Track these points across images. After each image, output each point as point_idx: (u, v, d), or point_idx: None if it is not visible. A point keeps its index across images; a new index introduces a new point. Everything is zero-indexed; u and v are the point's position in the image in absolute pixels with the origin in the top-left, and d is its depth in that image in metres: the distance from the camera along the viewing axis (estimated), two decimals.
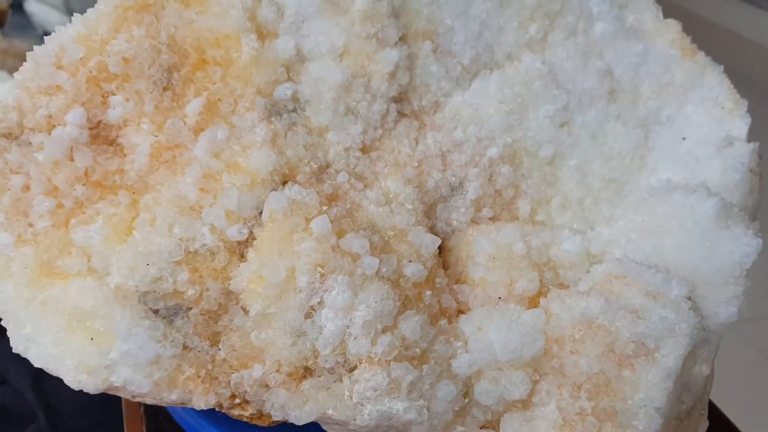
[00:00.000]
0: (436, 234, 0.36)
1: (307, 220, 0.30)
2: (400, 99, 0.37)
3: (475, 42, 0.38)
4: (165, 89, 0.33)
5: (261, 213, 0.31)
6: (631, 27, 0.41)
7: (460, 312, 0.34)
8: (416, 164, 0.36)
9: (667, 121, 0.40)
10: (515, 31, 0.39)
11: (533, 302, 0.33)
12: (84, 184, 0.33)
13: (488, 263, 0.34)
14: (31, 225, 0.34)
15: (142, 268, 0.31)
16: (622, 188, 0.39)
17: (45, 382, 0.93)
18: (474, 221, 0.37)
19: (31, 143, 0.34)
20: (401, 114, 0.37)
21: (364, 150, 0.35)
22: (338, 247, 0.30)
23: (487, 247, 0.34)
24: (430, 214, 0.36)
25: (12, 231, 0.34)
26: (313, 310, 0.30)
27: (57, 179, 0.33)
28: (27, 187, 0.34)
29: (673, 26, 0.41)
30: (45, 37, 0.35)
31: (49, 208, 0.33)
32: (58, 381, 0.33)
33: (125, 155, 0.33)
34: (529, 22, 0.39)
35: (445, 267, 0.35)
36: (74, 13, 0.35)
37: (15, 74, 0.36)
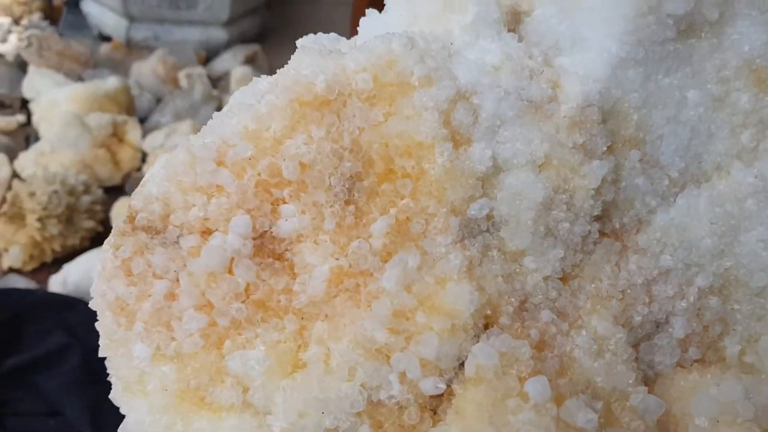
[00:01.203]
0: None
1: (521, 380, 0.25)
2: (600, 217, 0.31)
3: (684, 151, 0.33)
4: (347, 203, 0.28)
5: (461, 364, 0.26)
6: None
7: None
8: (620, 296, 0.31)
9: None
10: (726, 138, 0.33)
11: None
12: (244, 302, 0.29)
13: (712, 428, 0.28)
14: (174, 339, 0.30)
15: (314, 415, 0.26)
16: None
17: (101, 417, 0.89)
18: (679, 364, 0.32)
19: (178, 243, 0.30)
20: (601, 234, 0.32)
21: (564, 279, 0.30)
22: (560, 419, 0.25)
23: (708, 408, 0.29)
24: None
25: (150, 343, 0.30)
26: None
27: (212, 294, 0.29)
28: (172, 295, 0.30)
29: None
30: (202, 128, 0.31)
31: (201, 326, 0.29)
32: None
33: (295, 274, 0.28)
34: (742, 129, 0.34)
35: None
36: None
37: (162, 164, 0.31)
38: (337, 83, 0.29)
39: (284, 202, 0.29)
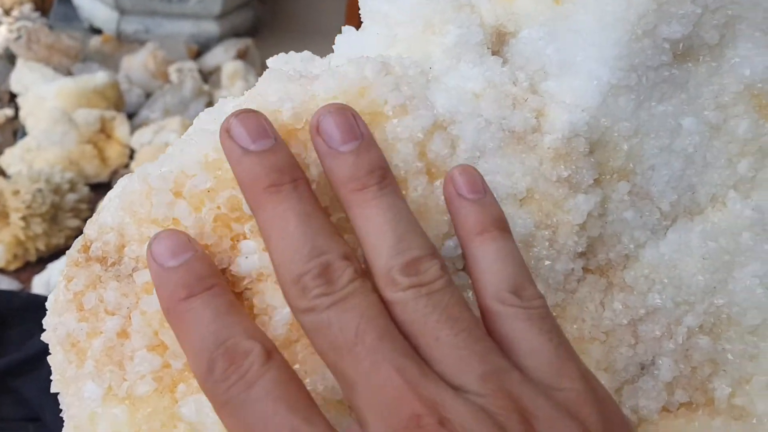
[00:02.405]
0: None
1: None
2: (584, 252, 0.30)
3: (677, 182, 0.31)
4: None
5: None
6: None
7: None
8: (604, 338, 0.29)
9: None
10: (722, 168, 0.32)
11: None
12: None
13: None
14: (125, 380, 0.28)
15: None
16: None
17: None
18: (665, 408, 0.30)
19: (132, 278, 0.28)
20: (585, 270, 0.30)
21: None
22: None
23: None
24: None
25: (101, 383, 0.28)
26: None
27: (165, 334, 0.27)
28: (124, 333, 0.28)
29: None
30: (160, 156, 0.29)
31: (153, 368, 0.27)
32: None
33: (255, 315, 0.27)
34: (739, 158, 0.32)
35: None
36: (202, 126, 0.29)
37: (118, 191, 0.29)
38: (305, 111, 0.27)
39: (245, 238, 0.27)
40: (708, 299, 0.31)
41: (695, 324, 0.30)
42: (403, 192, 0.27)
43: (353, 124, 0.24)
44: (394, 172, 0.26)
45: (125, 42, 1.64)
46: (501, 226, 0.25)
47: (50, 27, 1.70)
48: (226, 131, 0.24)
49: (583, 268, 0.30)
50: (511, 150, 0.28)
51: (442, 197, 0.27)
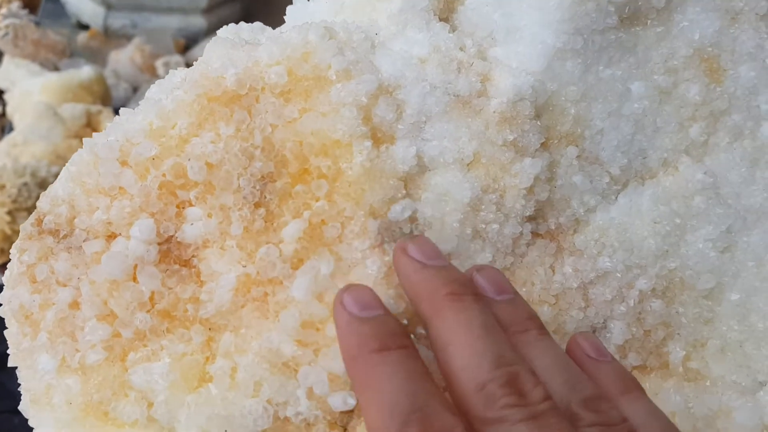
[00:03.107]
0: None
1: None
2: (534, 216, 0.30)
3: (627, 146, 0.31)
4: (257, 205, 0.26)
5: None
6: None
7: None
8: (553, 301, 0.29)
9: None
10: (674, 133, 0.32)
11: None
12: (148, 312, 0.27)
13: None
14: (78, 350, 0.28)
15: None
16: None
17: None
18: None
19: (82, 249, 0.28)
20: (534, 234, 0.30)
21: None
22: None
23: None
24: None
25: (55, 354, 0.28)
26: None
27: (114, 303, 0.27)
28: (76, 304, 0.28)
29: None
30: (108, 125, 0.29)
31: (103, 337, 0.27)
32: None
33: (202, 282, 0.27)
34: (691, 122, 0.32)
35: None
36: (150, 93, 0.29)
37: (68, 164, 0.30)
38: (248, 77, 0.27)
39: (190, 205, 0.27)
40: (660, 263, 0.31)
41: (647, 287, 0.30)
42: (347, 157, 0.27)
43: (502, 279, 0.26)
44: (339, 137, 0.27)
45: (112, 37, 1.64)
46: None
47: (38, 24, 1.70)
48: (401, 250, 0.25)
49: (533, 233, 0.30)
50: (456, 114, 0.28)
51: (389, 162, 0.27)
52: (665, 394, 0.28)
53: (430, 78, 0.28)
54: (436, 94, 0.28)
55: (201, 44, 1.57)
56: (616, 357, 0.30)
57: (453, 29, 0.30)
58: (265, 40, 0.28)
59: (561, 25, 0.29)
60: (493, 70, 0.29)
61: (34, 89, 1.27)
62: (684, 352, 0.31)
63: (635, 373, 0.30)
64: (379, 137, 0.28)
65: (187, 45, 1.58)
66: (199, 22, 1.59)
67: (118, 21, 1.65)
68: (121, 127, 0.28)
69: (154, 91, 0.30)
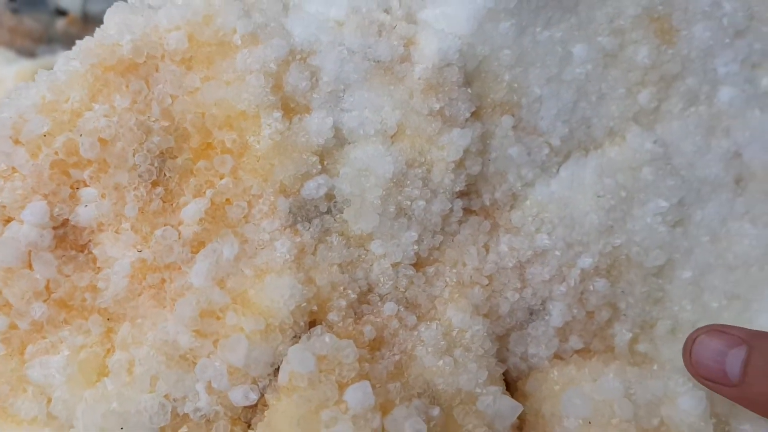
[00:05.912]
0: (508, 372, 0.27)
1: (341, 388, 0.22)
2: (467, 192, 0.28)
3: (569, 115, 0.29)
4: (155, 184, 0.24)
5: (277, 369, 0.23)
6: (766, 92, 0.32)
7: None
8: (486, 282, 0.27)
9: None
10: (621, 99, 0.29)
11: None
12: (45, 301, 0.25)
13: (582, 429, 0.25)
14: None
15: (114, 431, 0.23)
16: (747, 308, 0.30)
17: None
18: (558, 355, 0.28)
19: None
20: (468, 211, 0.28)
21: (419, 264, 0.26)
22: (384, 430, 0.21)
23: (580, 407, 0.25)
24: (501, 348, 0.27)
25: None
26: None
27: (9, 292, 0.25)
28: None
29: None
30: (5, 100, 0.27)
31: (0, 329, 0.25)
32: None
33: (99, 269, 0.25)
34: (639, 88, 0.30)
35: (521, 427, 0.26)
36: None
37: None
38: (146, 44, 0.25)
39: (85, 185, 0.25)
40: (604, 239, 0.29)
41: (590, 266, 0.28)
42: (255, 129, 0.25)
43: None
44: (245, 107, 0.24)
45: (91, 23, 1.61)
46: None
47: (16, 11, 1.67)
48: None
49: (465, 209, 0.28)
50: (378, 82, 0.26)
51: (303, 134, 0.25)
52: (605, 379, 0.26)
53: (347, 42, 0.26)
54: (355, 60, 0.26)
55: None
56: (556, 340, 0.28)
57: None
58: (168, 4, 0.26)
59: None
60: (419, 33, 0.27)
61: (7, 76, 1.25)
62: (630, 335, 0.29)
63: (575, 357, 0.28)
64: (291, 108, 0.25)
65: None
66: None
67: (97, 6, 1.62)
68: (14, 103, 0.26)
69: (59, 64, 0.28)
